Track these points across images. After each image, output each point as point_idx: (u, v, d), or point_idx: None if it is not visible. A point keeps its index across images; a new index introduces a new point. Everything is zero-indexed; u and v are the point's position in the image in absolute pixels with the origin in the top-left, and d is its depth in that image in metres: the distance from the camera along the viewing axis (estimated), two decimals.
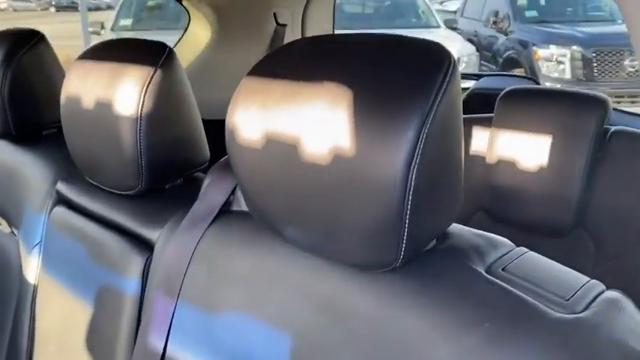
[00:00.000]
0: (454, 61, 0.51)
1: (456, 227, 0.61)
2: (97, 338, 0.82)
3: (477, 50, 5.47)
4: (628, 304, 0.53)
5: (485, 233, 0.61)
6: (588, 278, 0.56)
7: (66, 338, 0.87)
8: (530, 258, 0.58)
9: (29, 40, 1.06)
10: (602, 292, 0.54)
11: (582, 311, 0.51)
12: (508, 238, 1.28)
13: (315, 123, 0.52)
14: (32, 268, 0.98)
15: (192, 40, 1.70)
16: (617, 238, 1.11)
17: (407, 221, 0.50)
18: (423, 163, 0.49)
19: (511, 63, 5.45)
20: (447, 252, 0.57)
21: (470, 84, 1.87)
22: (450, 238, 0.59)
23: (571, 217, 1.13)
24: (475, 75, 1.96)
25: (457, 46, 4.94)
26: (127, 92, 0.77)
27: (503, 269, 0.55)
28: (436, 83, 0.49)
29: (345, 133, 0.50)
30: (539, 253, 1.22)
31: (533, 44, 5.15)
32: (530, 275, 0.55)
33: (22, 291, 1.00)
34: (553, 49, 5.03)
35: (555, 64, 5.01)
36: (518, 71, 5.22)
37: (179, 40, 1.72)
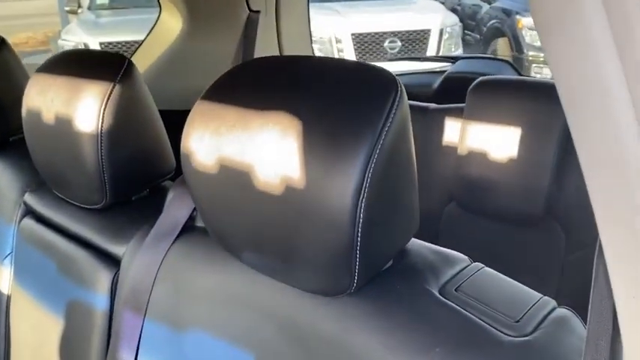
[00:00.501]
0: (401, 87, 0.51)
1: (413, 244, 0.61)
2: (69, 352, 0.83)
3: (461, 20, 5.41)
4: (577, 323, 0.54)
5: (441, 249, 0.61)
6: (540, 295, 0.57)
7: (40, 350, 0.88)
8: (484, 275, 0.59)
9: None
10: (553, 310, 0.55)
11: (531, 333, 0.52)
12: (480, 228, 1.29)
13: (267, 152, 0.52)
14: (5, 278, 0.98)
15: (164, 29, 1.67)
16: (587, 228, 1.12)
17: (358, 251, 0.51)
18: (372, 193, 0.49)
19: (495, 32, 5.41)
20: (403, 272, 0.58)
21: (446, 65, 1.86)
22: (406, 257, 0.59)
23: (541, 207, 1.14)
24: (451, 58, 1.95)
25: (440, 17, 4.88)
26: (86, 108, 0.76)
27: (456, 289, 0.56)
28: (383, 113, 0.49)
29: (295, 165, 0.50)
30: (511, 242, 1.23)
31: (517, 13, 5.11)
32: (482, 295, 0.56)
33: None
34: None
35: None
36: (501, 41, 5.18)
37: (151, 30, 1.69)
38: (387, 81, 0.51)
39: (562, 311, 0.55)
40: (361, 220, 0.49)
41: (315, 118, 0.51)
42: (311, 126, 0.50)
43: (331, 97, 0.51)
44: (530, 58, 4.92)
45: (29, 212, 0.95)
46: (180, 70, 1.65)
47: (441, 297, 0.55)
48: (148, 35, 1.70)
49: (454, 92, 1.35)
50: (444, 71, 1.79)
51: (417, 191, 0.57)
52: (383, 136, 0.49)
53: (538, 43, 4.99)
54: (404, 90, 0.51)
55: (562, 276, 1.16)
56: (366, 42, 4.66)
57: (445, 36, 4.78)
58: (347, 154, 0.48)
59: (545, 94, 1.16)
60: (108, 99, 0.76)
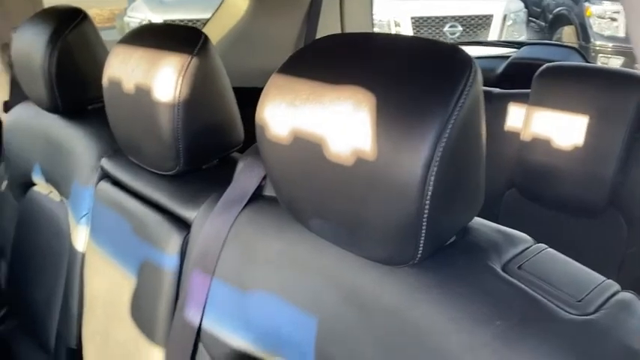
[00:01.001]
0: (475, 66, 0.52)
1: (476, 222, 0.62)
2: (138, 308, 0.88)
3: (526, 6, 5.25)
4: None
5: (505, 229, 0.62)
6: (604, 278, 0.57)
7: (111, 306, 0.94)
8: (547, 255, 0.59)
9: (74, 19, 1.10)
10: (616, 293, 0.55)
11: (593, 313, 0.52)
12: (540, 216, 1.28)
13: (340, 124, 0.54)
14: (80, 237, 1.05)
15: (231, 7, 1.71)
16: None
17: (425, 222, 0.52)
18: (442, 167, 0.50)
19: (561, 20, 5.23)
20: (466, 248, 0.59)
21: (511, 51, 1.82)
22: (469, 234, 0.61)
23: (604, 197, 1.12)
24: (517, 43, 1.91)
25: (504, 2, 4.76)
26: (164, 79, 0.80)
27: (519, 267, 0.57)
28: (456, 91, 0.50)
29: (367, 136, 0.52)
30: (571, 231, 1.22)
31: (585, 0, 4.91)
32: (545, 274, 0.56)
33: (72, 257, 1.07)
34: (606, 5, 4.78)
35: (608, 22, 4.77)
36: (567, 29, 5.00)
37: (217, 8, 1.73)
38: (462, 59, 0.52)
39: (626, 295, 0.55)
40: (430, 193, 0.51)
41: (387, 92, 0.52)
42: (383, 100, 0.52)
43: (404, 72, 0.53)
44: (598, 47, 4.73)
45: (105, 176, 1.01)
46: (245, 49, 1.69)
47: (503, 273, 0.56)
48: (214, 13, 1.75)
49: (518, 78, 1.34)
50: (508, 57, 1.76)
51: (484, 171, 0.58)
52: (456, 111, 0.50)
53: (606, 33, 4.80)
54: (479, 69, 0.52)
55: (621, 268, 1.14)
56: (425, 26, 4.60)
57: (509, 22, 4.66)
58: (420, 127, 0.50)
59: (615, 82, 1.13)
60: (185, 71, 0.80)
